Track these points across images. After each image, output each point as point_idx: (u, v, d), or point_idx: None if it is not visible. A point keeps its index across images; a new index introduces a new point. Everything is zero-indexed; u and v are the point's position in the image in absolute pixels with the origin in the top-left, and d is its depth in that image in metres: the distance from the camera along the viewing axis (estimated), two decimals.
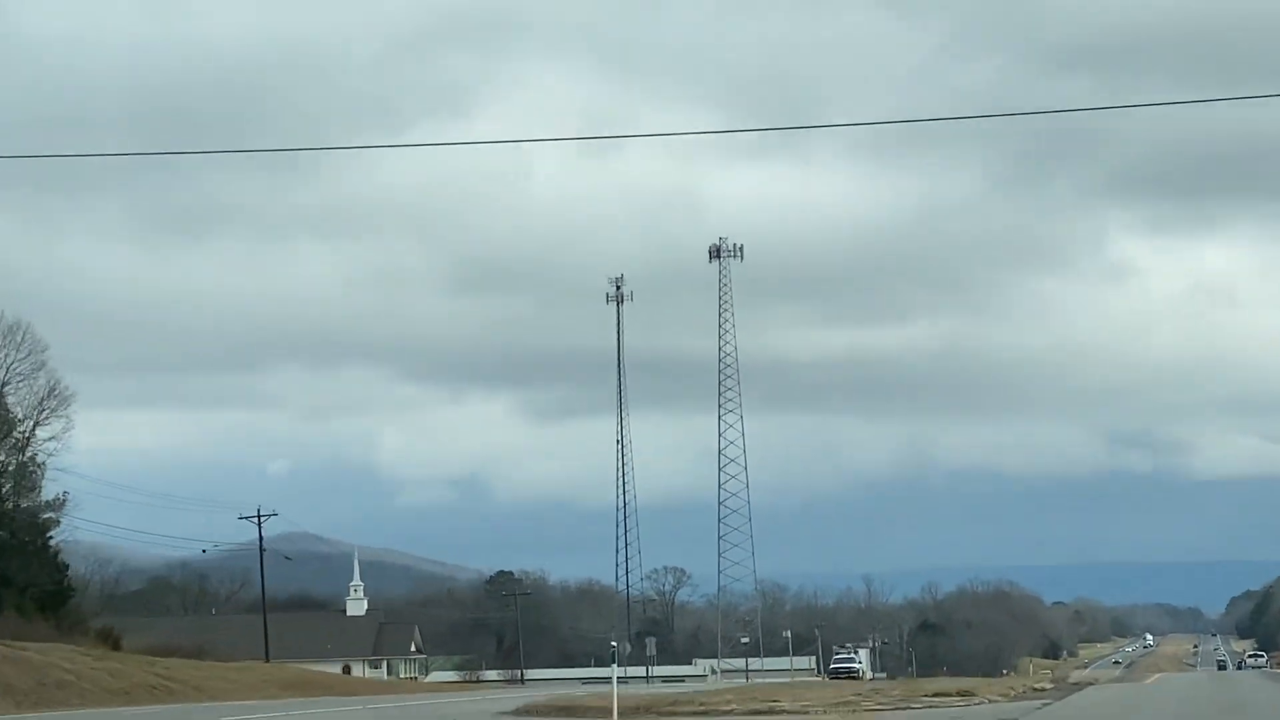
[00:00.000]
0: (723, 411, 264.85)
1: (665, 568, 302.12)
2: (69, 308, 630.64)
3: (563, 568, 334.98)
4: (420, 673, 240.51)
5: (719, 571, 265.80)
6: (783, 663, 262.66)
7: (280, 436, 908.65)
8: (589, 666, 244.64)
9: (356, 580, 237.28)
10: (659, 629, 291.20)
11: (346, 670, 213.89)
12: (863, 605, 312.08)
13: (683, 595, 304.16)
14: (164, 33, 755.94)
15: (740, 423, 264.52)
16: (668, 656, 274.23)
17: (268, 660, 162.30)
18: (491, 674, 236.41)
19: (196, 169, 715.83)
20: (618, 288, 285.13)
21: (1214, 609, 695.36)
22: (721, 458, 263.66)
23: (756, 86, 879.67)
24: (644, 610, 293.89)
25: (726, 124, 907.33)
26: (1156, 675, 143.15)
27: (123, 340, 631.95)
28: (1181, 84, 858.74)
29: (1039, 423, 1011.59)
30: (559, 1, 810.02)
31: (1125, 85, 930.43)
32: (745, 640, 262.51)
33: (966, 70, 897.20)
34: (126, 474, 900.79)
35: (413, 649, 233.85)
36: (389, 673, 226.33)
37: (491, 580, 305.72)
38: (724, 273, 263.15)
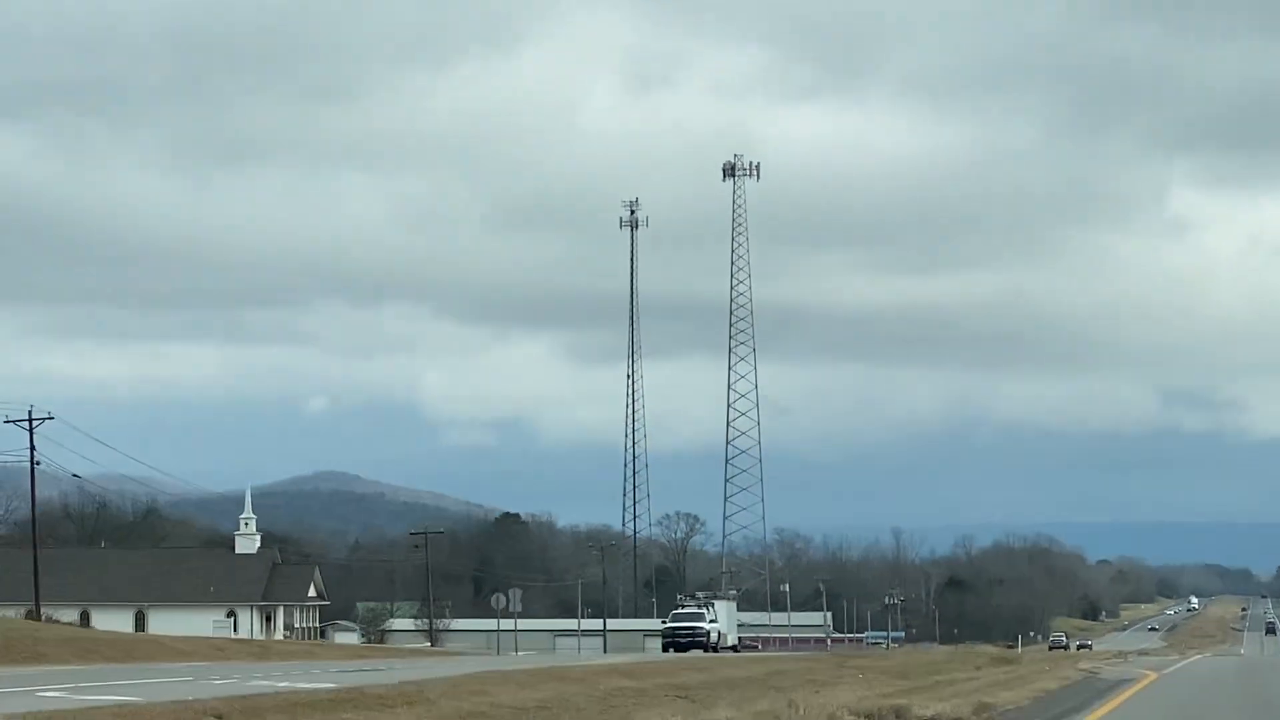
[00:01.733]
0: (733, 353, 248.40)
1: (678, 513, 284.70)
2: (107, 236, 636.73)
3: (577, 512, 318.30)
4: (316, 624, 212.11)
5: (724, 519, 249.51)
6: (797, 618, 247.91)
7: (320, 373, 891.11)
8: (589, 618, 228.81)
9: (247, 513, 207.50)
10: (669, 576, 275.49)
11: (231, 615, 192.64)
12: (890, 559, 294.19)
13: (696, 543, 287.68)
14: None
15: (753, 365, 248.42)
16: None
17: (38, 612, 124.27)
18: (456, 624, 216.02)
19: (238, 99, 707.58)
20: (631, 212, 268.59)
21: (1265, 570, 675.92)
22: (732, 401, 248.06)
23: (810, 22, 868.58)
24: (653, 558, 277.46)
25: (778, 62, 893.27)
26: (1178, 662, 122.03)
27: (162, 272, 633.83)
28: (1250, 32, 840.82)
29: (1093, 378, 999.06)
30: None
31: (1193, 30, 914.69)
32: (735, 591, 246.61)
33: (1031, 11, 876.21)
34: (161, 407, 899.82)
35: (311, 593, 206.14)
36: (285, 624, 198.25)
37: (497, 523, 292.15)
38: (738, 194, 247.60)
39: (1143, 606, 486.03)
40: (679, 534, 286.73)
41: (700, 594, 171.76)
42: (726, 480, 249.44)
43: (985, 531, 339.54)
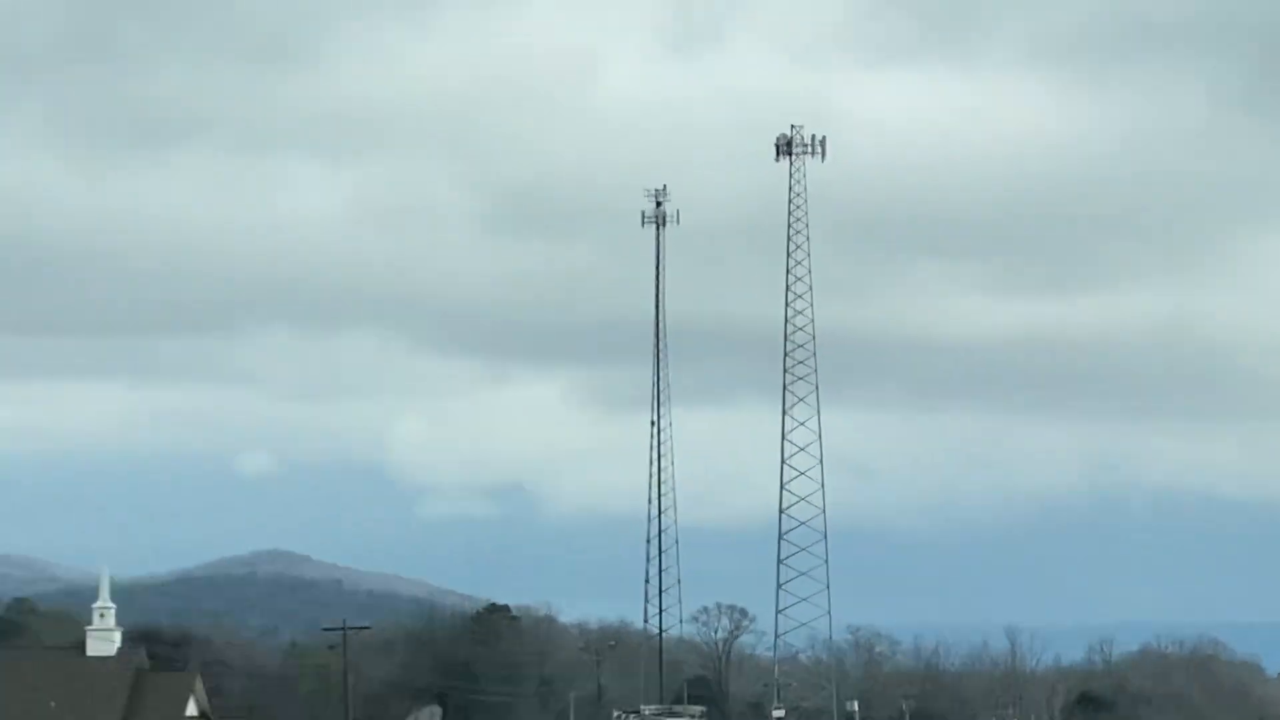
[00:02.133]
0: (789, 392, 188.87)
1: (719, 605, 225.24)
2: None
3: (589, 604, 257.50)
4: None
5: (776, 613, 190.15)
6: None
7: (259, 422, 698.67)
8: None
9: (104, 601, 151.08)
10: (706, 688, 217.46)
11: None
12: (1003, 668, 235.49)
13: (743, 645, 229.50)
14: None
15: (816, 410, 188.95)
16: None
17: None
18: None
19: (153, 61, 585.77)
20: (657, 204, 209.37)
21: None
22: (788, 457, 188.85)
23: None
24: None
25: (862, 12, 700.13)
26: None
27: (53, 287, 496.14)
28: None
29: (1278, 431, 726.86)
30: None
31: None
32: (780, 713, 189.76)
33: None
34: (51, 465, 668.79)
35: (190, 711, 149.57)
36: None
37: (478, 618, 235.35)
38: (797, 180, 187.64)
39: None
40: (720, 633, 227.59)
41: (650, 709, 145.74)
42: (780, 562, 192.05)
43: (1130, 633, 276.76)
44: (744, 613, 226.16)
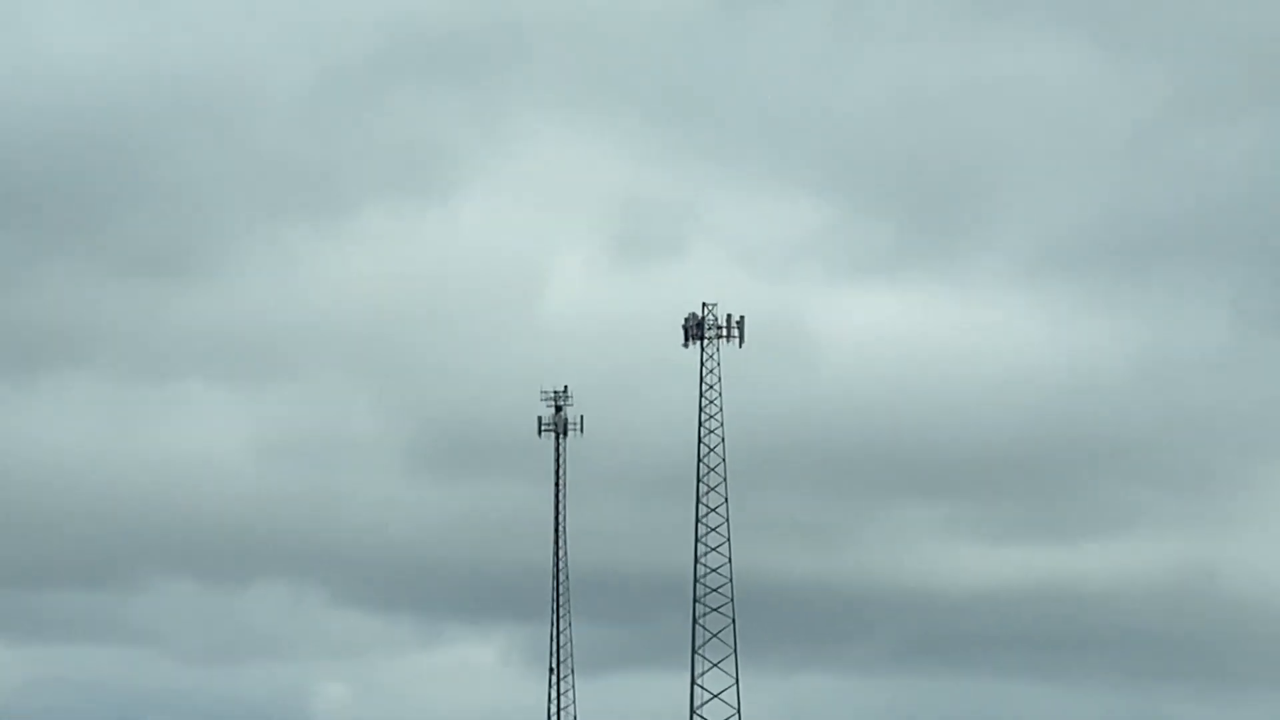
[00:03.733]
0: (701, 656, 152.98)
1: None
2: None
3: None
4: None
5: None
6: None
7: (160, 688, 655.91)
8: None
9: None
10: None
11: None
12: None
13: None
14: None
15: (735, 683, 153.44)
16: None
17: None
18: None
19: (23, 275, 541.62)
20: (558, 409, 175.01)
21: None
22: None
23: (888, 162, 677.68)
24: None
25: (834, 220, 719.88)
26: None
27: None
28: None
29: None
30: (585, 28, 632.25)
31: None
32: None
33: (1208, 136, 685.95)
34: None
35: None
36: None
37: None
38: (710, 366, 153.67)
39: None
40: None
41: None
42: None
43: None
44: None
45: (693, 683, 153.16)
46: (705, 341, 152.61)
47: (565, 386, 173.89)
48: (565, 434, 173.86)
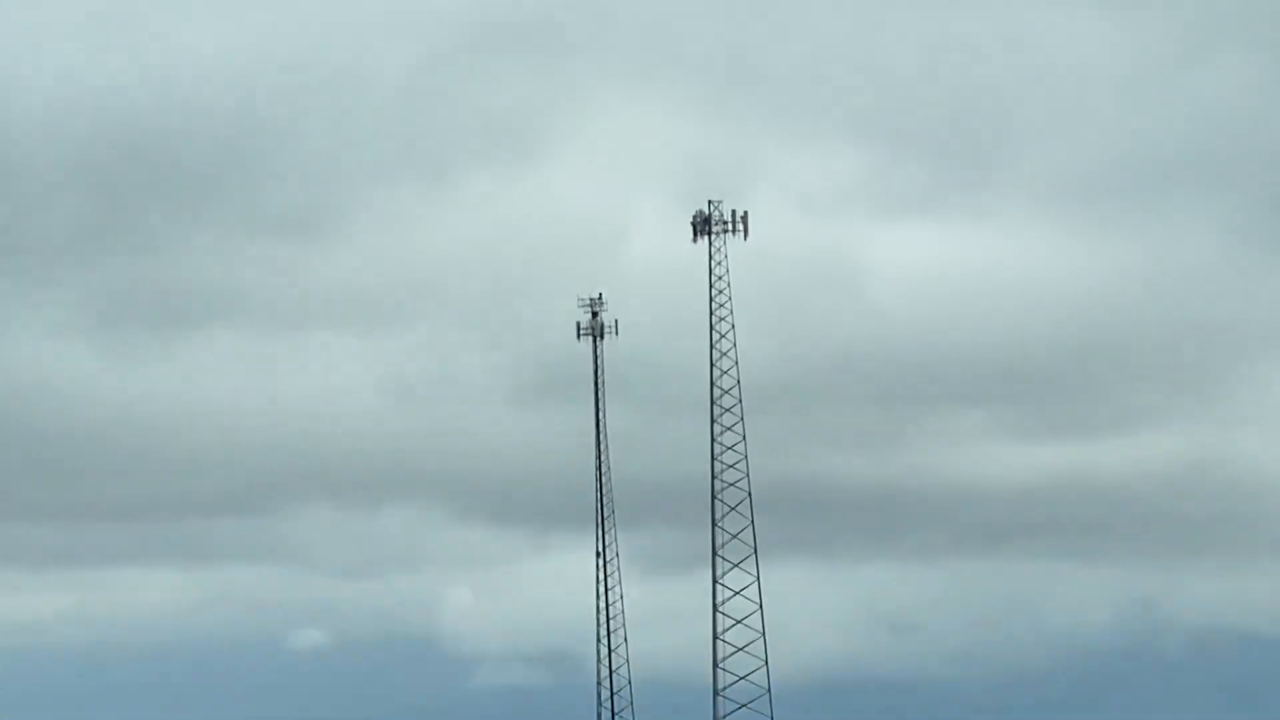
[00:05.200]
0: (721, 556, 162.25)
1: None
2: (16, 427, 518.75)
3: None
4: None
5: None
6: None
7: (309, 599, 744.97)
8: None
9: None
10: None
11: None
12: None
13: None
14: (118, 60, 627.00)
15: (756, 579, 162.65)
16: None
17: None
18: None
19: (177, 244, 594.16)
20: (594, 314, 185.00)
21: None
22: (721, 632, 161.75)
23: (920, 111, 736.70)
24: None
25: (877, 165, 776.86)
26: None
27: (97, 474, 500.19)
28: None
29: None
30: (649, 4, 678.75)
31: None
32: None
33: (1202, 89, 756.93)
34: (108, 649, 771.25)
35: None
36: None
37: None
38: (718, 260, 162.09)
39: None
40: None
41: None
42: None
43: None
44: None
45: (715, 581, 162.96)
46: (712, 236, 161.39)
47: (600, 294, 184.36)
48: (602, 337, 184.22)
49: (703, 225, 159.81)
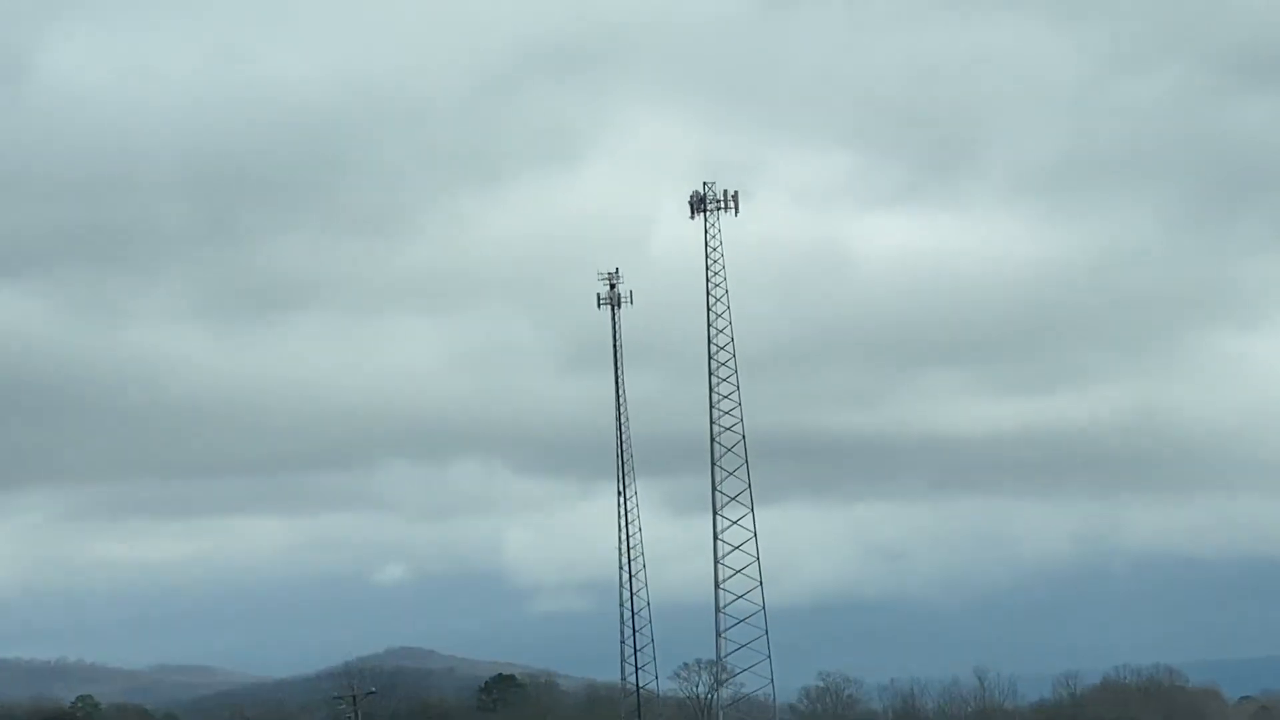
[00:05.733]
0: (720, 491, 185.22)
1: (699, 661, 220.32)
2: (144, 400, 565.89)
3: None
4: None
5: (717, 683, 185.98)
6: None
7: (392, 540, 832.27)
8: None
9: None
10: None
11: None
12: (973, 707, 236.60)
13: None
14: (223, 86, 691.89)
15: (751, 510, 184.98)
16: None
17: None
18: None
19: (273, 238, 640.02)
20: (611, 286, 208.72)
21: None
22: (721, 556, 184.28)
23: (898, 118, 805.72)
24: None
25: (863, 165, 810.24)
26: None
27: (210, 438, 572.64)
28: None
29: (1235, 498, 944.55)
30: (667, 32, 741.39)
31: None
32: None
33: (1140, 93, 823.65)
34: (224, 585, 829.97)
35: None
36: None
37: (486, 688, 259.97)
38: (713, 236, 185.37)
39: None
40: (701, 688, 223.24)
41: None
42: (719, 635, 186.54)
43: (1097, 672, 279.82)
44: (721, 667, 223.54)
45: (715, 513, 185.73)
46: (708, 212, 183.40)
47: (617, 268, 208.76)
48: (619, 306, 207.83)
49: (699, 203, 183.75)
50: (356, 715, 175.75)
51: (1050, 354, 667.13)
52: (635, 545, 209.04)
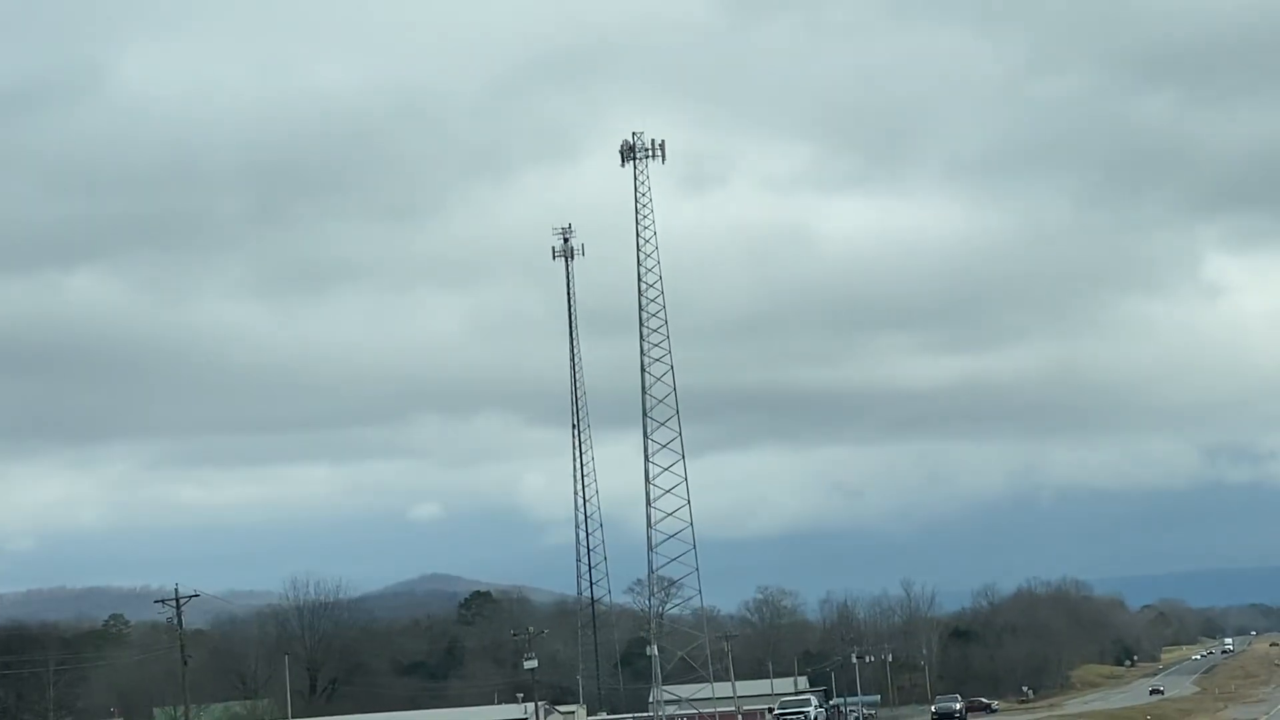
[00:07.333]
0: (650, 439, 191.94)
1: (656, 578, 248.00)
2: (210, 366, 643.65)
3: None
4: None
5: (651, 610, 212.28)
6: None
7: (426, 483, 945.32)
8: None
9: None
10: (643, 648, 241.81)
11: None
12: (900, 617, 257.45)
13: (674, 612, 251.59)
14: (273, 88, 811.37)
15: (682, 458, 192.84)
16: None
17: None
18: None
19: (319, 224, 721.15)
20: (565, 240, 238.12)
21: None
22: (654, 499, 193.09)
23: (851, 116, 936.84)
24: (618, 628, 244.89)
25: (822, 155, 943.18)
26: None
27: (268, 399, 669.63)
28: (1271, 89, 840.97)
29: (1140, 438, 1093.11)
30: (648, 38, 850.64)
31: (1211, 96, 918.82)
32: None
33: (1056, 89, 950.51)
34: (283, 524, 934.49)
35: None
36: None
37: (465, 603, 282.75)
38: (642, 181, 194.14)
39: (1185, 648, 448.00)
40: (657, 603, 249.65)
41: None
42: (652, 549, 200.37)
43: (1011, 584, 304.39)
44: (670, 581, 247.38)
45: (646, 458, 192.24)
46: (636, 161, 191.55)
47: (570, 223, 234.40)
48: (572, 258, 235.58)
49: (628, 151, 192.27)
50: None
51: (984, 318, 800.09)
52: (590, 484, 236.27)
